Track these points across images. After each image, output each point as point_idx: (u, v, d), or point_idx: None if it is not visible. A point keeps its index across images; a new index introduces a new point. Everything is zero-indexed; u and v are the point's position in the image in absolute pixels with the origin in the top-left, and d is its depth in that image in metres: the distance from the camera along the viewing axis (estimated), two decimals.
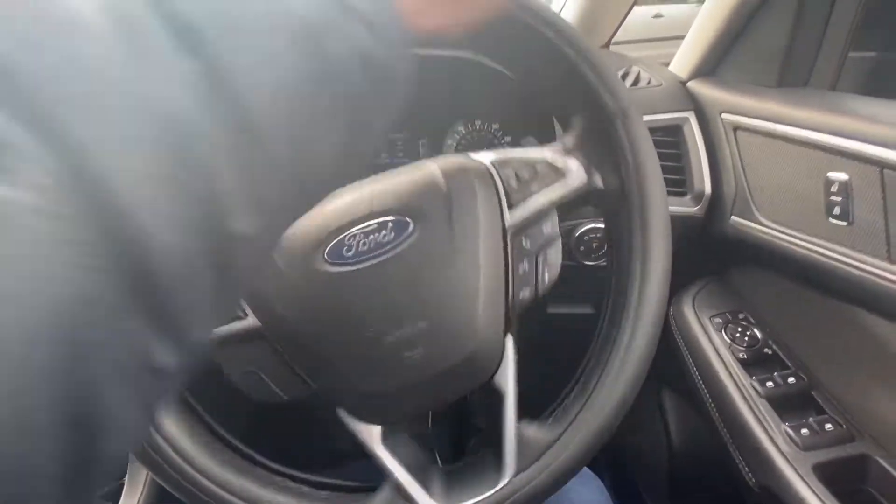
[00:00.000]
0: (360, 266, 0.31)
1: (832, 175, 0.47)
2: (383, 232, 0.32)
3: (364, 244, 0.31)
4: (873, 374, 0.50)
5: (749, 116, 0.56)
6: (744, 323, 0.61)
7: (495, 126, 0.74)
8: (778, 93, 0.56)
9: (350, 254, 0.32)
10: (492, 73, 0.65)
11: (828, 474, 0.48)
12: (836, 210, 0.46)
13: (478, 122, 0.74)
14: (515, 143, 0.74)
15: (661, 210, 0.34)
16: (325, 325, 0.31)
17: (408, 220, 0.32)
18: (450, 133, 0.75)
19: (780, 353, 0.58)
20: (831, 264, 0.47)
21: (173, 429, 0.32)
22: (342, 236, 0.32)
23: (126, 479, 0.58)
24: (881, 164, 0.42)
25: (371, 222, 0.32)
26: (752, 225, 0.57)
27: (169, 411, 0.32)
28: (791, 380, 0.55)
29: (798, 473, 0.47)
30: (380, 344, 0.31)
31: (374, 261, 0.32)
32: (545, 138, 0.66)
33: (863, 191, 0.44)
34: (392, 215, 0.32)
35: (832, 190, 0.46)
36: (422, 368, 0.32)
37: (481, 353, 0.33)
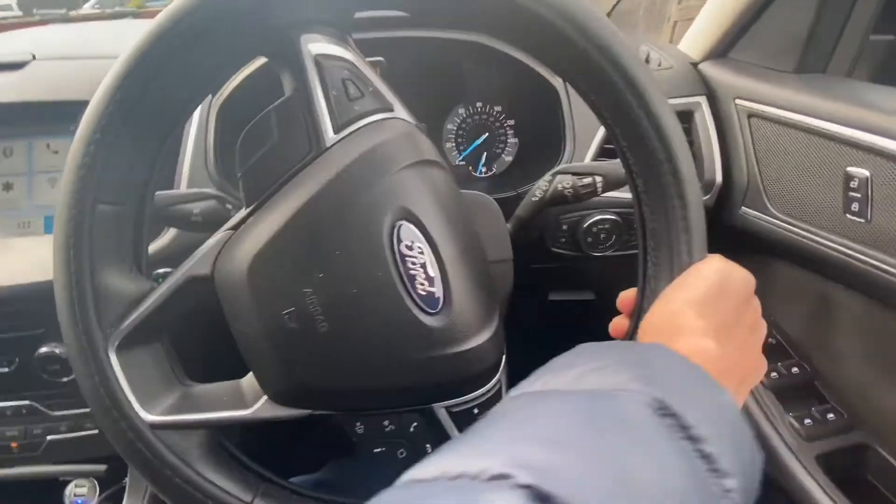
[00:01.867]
0: None
1: (852, 170, 0.45)
2: None
3: None
4: (873, 364, 0.51)
5: (765, 104, 0.54)
6: None
7: (497, 108, 0.71)
8: (797, 79, 0.54)
9: None
10: (497, 55, 0.62)
11: (830, 464, 0.49)
12: (855, 206, 0.45)
13: (479, 105, 0.71)
14: (519, 127, 0.71)
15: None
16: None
17: None
18: (450, 117, 0.71)
19: (784, 343, 0.58)
20: (846, 261, 0.47)
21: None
22: None
23: (128, 483, 0.56)
24: None
25: None
26: (763, 217, 0.56)
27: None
28: (794, 370, 0.56)
29: (802, 465, 0.49)
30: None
31: None
32: (550, 121, 0.63)
33: (884, 188, 0.43)
34: None
35: (852, 186, 0.45)
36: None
37: None
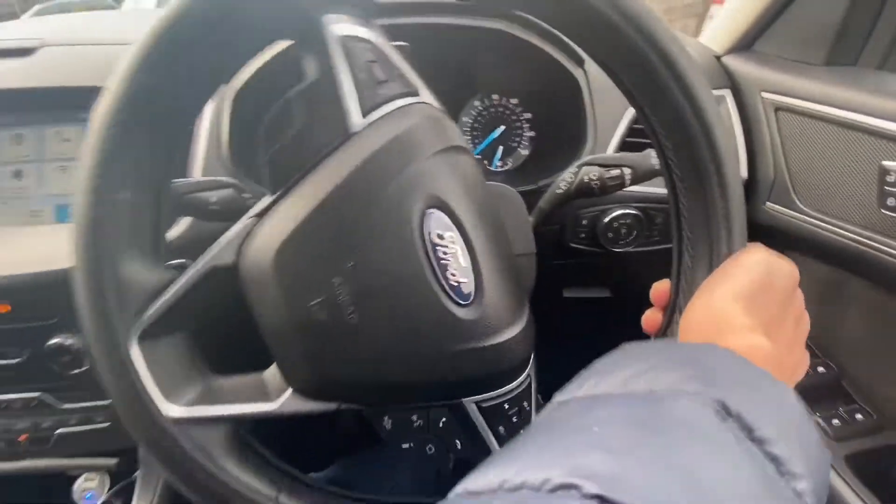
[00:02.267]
0: None
1: (888, 164, 0.44)
2: None
3: None
4: None
5: (794, 96, 0.53)
6: None
7: (514, 101, 0.70)
8: (826, 72, 0.53)
9: None
10: (516, 43, 0.61)
11: (859, 465, 0.48)
12: (891, 201, 0.44)
13: (495, 97, 0.70)
14: (535, 120, 0.70)
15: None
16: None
17: None
18: (466, 109, 0.70)
19: (809, 342, 0.57)
20: (880, 256, 0.46)
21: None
22: None
23: (139, 477, 0.55)
24: None
25: None
26: (790, 212, 0.55)
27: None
28: (820, 369, 0.54)
29: (831, 465, 0.47)
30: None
31: None
32: (569, 113, 0.62)
33: None
34: None
35: (888, 180, 0.44)
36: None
37: None
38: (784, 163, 0.55)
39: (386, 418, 0.29)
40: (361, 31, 0.29)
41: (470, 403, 0.29)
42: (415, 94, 0.30)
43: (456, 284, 0.28)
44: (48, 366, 0.51)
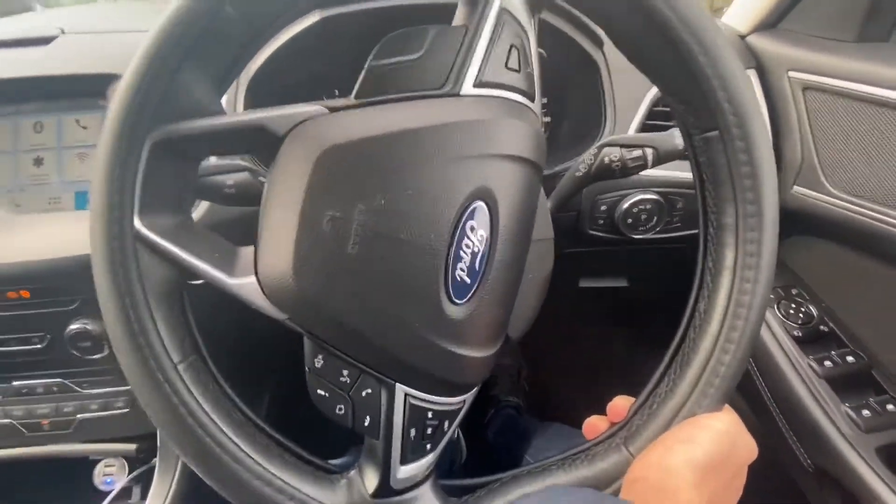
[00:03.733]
0: None
1: None
2: None
3: None
4: None
5: (824, 75, 0.51)
6: (798, 299, 0.58)
7: None
8: (858, 48, 0.51)
9: None
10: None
11: (891, 456, 0.46)
12: None
13: None
14: (551, 105, 0.69)
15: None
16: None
17: None
18: None
19: (837, 331, 0.55)
20: None
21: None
22: None
23: (157, 463, 0.56)
24: None
25: None
26: (820, 196, 0.53)
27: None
28: (850, 359, 0.53)
29: (861, 457, 0.46)
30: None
31: None
32: (586, 97, 0.60)
33: None
34: None
35: None
36: None
37: None
38: (812, 144, 0.53)
39: (320, 356, 0.28)
40: (523, 16, 0.28)
41: (402, 391, 0.28)
42: (531, 97, 0.29)
43: (459, 280, 0.27)
44: (69, 351, 0.52)
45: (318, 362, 0.28)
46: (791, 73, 0.54)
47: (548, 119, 0.70)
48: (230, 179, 0.41)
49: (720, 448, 0.24)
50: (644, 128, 0.57)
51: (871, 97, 0.46)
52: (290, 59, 0.55)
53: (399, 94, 0.27)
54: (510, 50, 0.27)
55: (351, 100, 0.27)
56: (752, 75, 0.58)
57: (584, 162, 0.45)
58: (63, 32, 0.56)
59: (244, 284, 0.27)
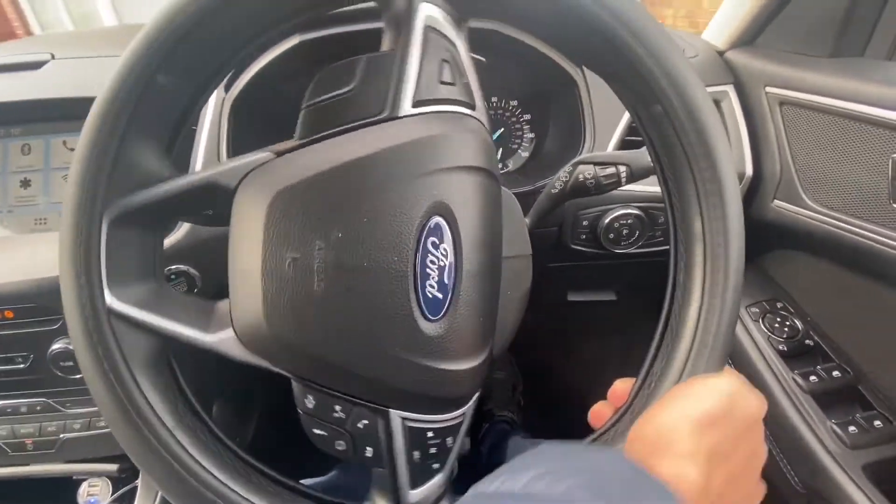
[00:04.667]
0: None
1: None
2: None
3: None
4: None
5: (799, 90, 0.51)
6: (783, 312, 0.57)
7: (513, 103, 0.69)
8: (832, 64, 0.51)
9: None
10: (513, 45, 0.60)
11: (878, 474, 0.45)
12: None
13: (494, 100, 0.69)
14: (535, 121, 0.69)
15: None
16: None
17: None
18: None
19: (823, 345, 0.55)
20: (892, 253, 0.43)
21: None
22: None
23: (140, 483, 0.56)
24: None
25: None
26: (799, 209, 0.53)
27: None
28: (836, 373, 0.52)
29: (848, 475, 0.45)
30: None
31: None
32: (568, 113, 0.61)
33: None
34: None
35: None
36: None
37: None
38: (790, 158, 0.53)
39: (310, 396, 0.28)
40: (448, 30, 0.29)
41: (397, 416, 0.28)
42: (471, 107, 0.29)
43: (430, 297, 0.27)
44: (52, 371, 0.52)
45: (310, 403, 0.28)
46: (768, 89, 0.55)
47: (532, 135, 0.70)
48: None
49: (719, 402, 0.24)
50: (623, 144, 0.57)
51: (845, 111, 0.46)
52: (272, 80, 0.56)
53: (341, 128, 0.27)
54: (441, 65, 0.28)
55: (295, 141, 0.28)
56: (731, 91, 0.58)
57: (559, 179, 0.46)
58: (53, 57, 0.57)
59: (222, 339, 0.28)
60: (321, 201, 0.26)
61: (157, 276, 0.30)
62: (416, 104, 0.27)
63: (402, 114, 0.27)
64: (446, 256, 0.27)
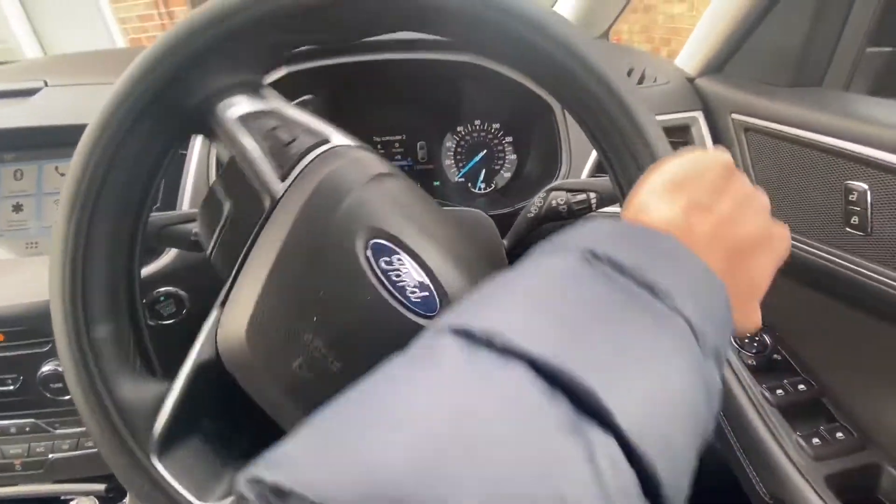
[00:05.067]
0: None
1: (851, 184, 0.45)
2: None
3: None
4: (883, 381, 0.50)
5: (760, 118, 0.54)
6: None
7: (496, 125, 0.72)
8: (792, 93, 0.54)
9: None
10: (489, 74, 0.63)
11: (840, 485, 0.47)
12: (855, 220, 0.45)
13: (477, 123, 0.72)
14: (517, 143, 0.72)
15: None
16: None
17: None
18: (449, 134, 0.72)
19: (790, 359, 0.57)
20: (847, 274, 0.46)
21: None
22: None
23: (127, 501, 0.56)
24: None
25: None
26: None
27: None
28: (801, 387, 0.54)
29: (811, 486, 0.47)
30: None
31: None
32: (547, 137, 0.64)
33: (882, 201, 0.43)
34: None
35: (851, 199, 0.45)
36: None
37: None
38: (754, 182, 0.56)
39: None
40: (257, 105, 0.30)
41: None
42: (325, 141, 0.31)
43: (419, 300, 0.28)
44: (41, 392, 0.53)
45: None
46: (734, 115, 0.58)
47: (514, 157, 0.73)
48: (194, 228, 0.43)
49: (677, 169, 0.24)
50: (597, 170, 0.60)
51: (802, 140, 0.49)
52: None
53: (247, 247, 0.29)
54: (274, 133, 0.30)
55: (226, 286, 0.29)
56: (700, 116, 0.61)
57: (534, 204, 0.48)
58: (46, 84, 0.59)
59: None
60: (280, 308, 0.28)
61: (229, 461, 0.31)
62: (283, 178, 0.29)
63: (279, 195, 0.29)
64: (404, 260, 0.28)
